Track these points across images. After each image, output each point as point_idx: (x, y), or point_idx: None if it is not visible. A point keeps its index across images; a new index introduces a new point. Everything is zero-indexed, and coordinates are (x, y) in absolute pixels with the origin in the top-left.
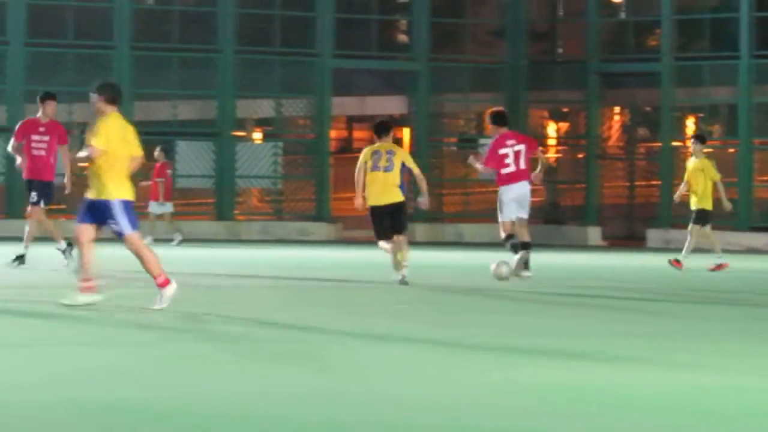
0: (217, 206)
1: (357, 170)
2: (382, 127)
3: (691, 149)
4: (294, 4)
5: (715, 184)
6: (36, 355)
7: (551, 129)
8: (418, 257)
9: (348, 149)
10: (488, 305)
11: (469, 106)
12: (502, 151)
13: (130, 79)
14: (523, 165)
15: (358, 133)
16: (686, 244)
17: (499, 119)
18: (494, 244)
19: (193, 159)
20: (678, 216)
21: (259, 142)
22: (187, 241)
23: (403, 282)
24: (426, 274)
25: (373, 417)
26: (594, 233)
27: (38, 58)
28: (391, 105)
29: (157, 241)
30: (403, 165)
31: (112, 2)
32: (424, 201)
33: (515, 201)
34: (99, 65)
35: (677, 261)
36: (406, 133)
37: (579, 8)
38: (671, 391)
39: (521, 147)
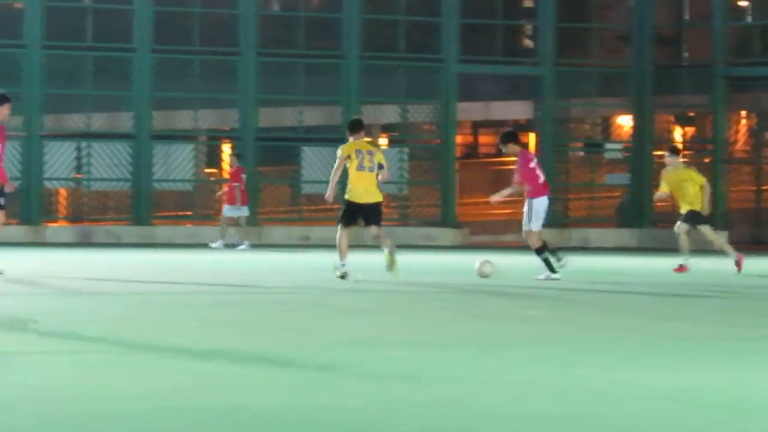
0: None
1: (336, 166)
2: (359, 124)
3: (666, 162)
4: (419, 10)
5: (701, 188)
6: (140, 362)
7: (677, 133)
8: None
9: (474, 154)
10: (620, 309)
11: (595, 111)
12: (533, 164)
13: (256, 85)
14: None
15: (483, 139)
16: (721, 248)
17: (518, 139)
18: (621, 249)
19: (319, 165)
20: None
21: (384, 147)
22: (314, 246)
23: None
24: (553, 280)
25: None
26: (720, 238)
27: (164, 65)
28: (517, 110)
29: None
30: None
31: (238, 9)
32: (384, 173)
33: (545, 212)
34: (225, 71)
35: (736, 264)
36: (531, 138)
37: (705, 12)
38: None
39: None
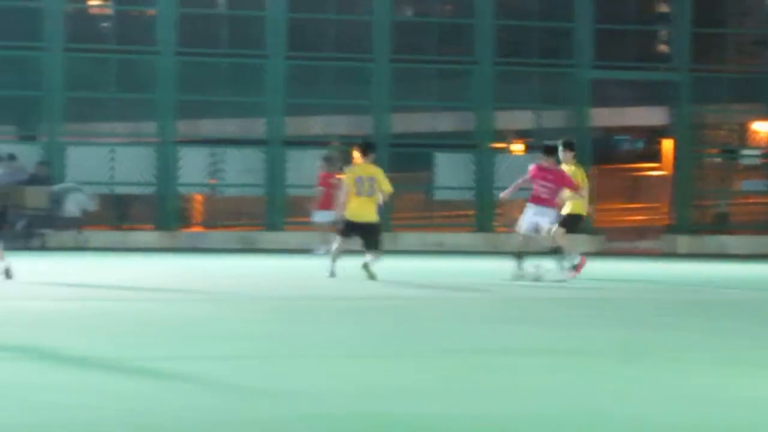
0: (477, 218)
1: (339, 191)
2: (371, 147)
3: (561, 157)
4: (552, 15)
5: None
6: (276, 367)
7: None
8: (680, 270)
9: (608, 160)
10: (759, 317)
11: (731, 117)
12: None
13: (389, 91)
14: None
15: (618, 145)
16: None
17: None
18: (759, 256)
19: (452, 171)
20: None
21: (518, 153)
22: (448, 252)
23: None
24: (689, 287)
25: None
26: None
27: (297, 71)
28: (651, 116)
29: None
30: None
31: (371, 15)
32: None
33: None
34: (358, 78)
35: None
36: (667, 145)
37: None
38: None
39: None
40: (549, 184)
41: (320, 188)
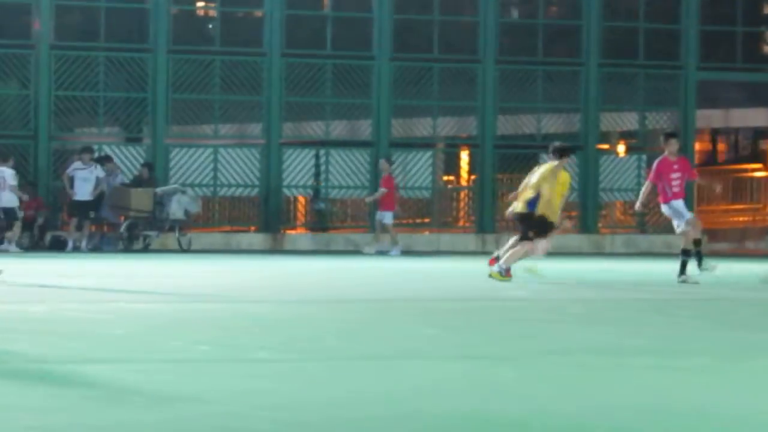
0: (581, 219)
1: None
2: (558, 151)
3: (557, 162)
4: (658, 17)
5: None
6: (378, 368)
7: None
8: None
9: (712, 162)
10: None
11: None
12: None
13: (495, 93)
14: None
15: (722, 146)
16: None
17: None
18: None
19: None
20: None
21: (623, 155)
22: (552, 254)
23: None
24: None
25: None
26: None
27: (403, 72)
28: (757, 117)
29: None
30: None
31: (478, 17)
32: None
33: None
34: (464, 79)
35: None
36: None
37: None
38: None
39: None
40: (679, 175)
41: (383, 189)
